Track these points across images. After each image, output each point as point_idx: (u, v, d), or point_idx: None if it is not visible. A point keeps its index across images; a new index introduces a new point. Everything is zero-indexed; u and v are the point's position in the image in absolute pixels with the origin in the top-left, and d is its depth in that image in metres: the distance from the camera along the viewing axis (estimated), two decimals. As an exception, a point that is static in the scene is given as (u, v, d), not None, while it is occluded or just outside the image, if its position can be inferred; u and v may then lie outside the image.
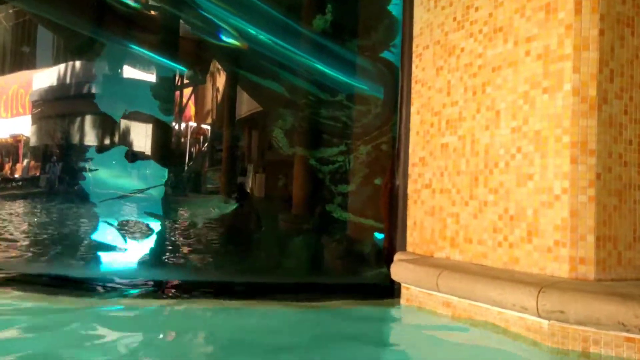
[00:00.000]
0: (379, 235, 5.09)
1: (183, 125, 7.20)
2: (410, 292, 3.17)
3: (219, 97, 7.58)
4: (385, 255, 4.02)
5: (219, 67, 7.88)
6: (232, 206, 5.58)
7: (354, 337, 2.59)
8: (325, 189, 6.44)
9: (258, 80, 7.36)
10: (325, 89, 6.87)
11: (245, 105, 8.11)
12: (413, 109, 3.73)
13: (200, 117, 7.27)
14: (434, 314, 2.90)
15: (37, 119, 5.77)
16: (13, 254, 4.85)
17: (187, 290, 3.84)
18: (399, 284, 3.30)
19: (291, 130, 6.83)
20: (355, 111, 6.64)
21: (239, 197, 6.19)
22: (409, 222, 3.63)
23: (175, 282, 4.03)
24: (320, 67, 6.63)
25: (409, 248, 3.60)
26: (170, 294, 3.76)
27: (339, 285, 4.01)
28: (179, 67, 8.22)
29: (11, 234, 5.26)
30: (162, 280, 4.11)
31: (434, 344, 2.54)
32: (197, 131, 7.06)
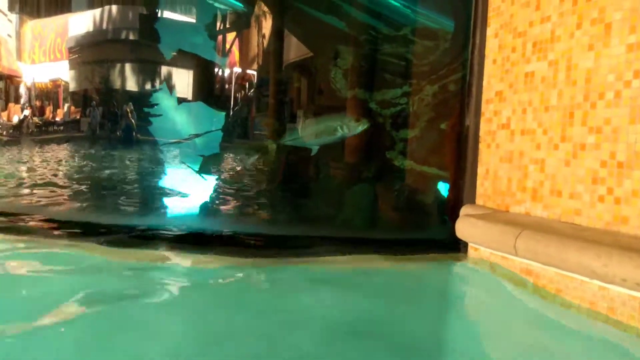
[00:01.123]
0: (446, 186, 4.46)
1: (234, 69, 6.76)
2: (479, 254, 2.57)
3: (272, 36, 6.99)
4: (449, 209, 3.40)
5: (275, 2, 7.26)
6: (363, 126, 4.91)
7: (398, 320, 1.97)
8: (386, 135, 5.81)
9: (316, 13, 6.67)
10: (389, 22, 6.08)
11: (300, 46, 7.48)
12: (490, 32, 2.97)
13: (246, 61, 6.78)
14: (508, 283, 2.29)
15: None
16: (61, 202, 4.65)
17: (235, 242, 3.47)
18: (466, 244, 2.70)
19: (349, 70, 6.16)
20: (421, 47, 5.83)
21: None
22: (480, 170, 2.97)
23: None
24: (382, -4, 5.83)
25: (479, 201, 2.96)
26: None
27: (395, 242, 3.47)
28: (237, 4, 7.67)
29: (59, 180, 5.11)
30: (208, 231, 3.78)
31: (509, 335, 1.91)
32: (243, 76, 6.59)
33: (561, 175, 2.41)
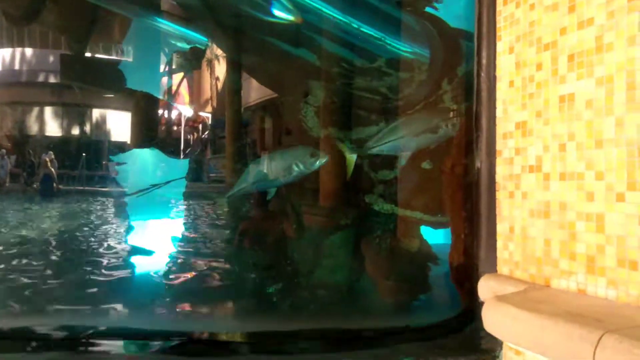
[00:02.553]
0: (436, 237, 3.65)
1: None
2: (522, 360, 1.72)
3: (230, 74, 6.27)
4: (455, 277, 2.57)
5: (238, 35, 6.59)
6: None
7: None
8: (363, 177, 5.05)
9: (285, 47, 5.98)
10: (362, 54, 5.41)
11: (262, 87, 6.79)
12: (501, 46, 2.23)
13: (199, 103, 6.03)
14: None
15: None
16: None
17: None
18: (495, 340, 1.84)
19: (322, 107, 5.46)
20: (396, 79, 5.15)
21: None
22: (501, 228, 2.16)
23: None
24: (355, 25, 5.17)
25: (502, 268, 2.13)
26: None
27: (364, 333, 2.55)
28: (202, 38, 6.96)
29: None
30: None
31: None
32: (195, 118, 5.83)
33: (635, 237, 1.61)
